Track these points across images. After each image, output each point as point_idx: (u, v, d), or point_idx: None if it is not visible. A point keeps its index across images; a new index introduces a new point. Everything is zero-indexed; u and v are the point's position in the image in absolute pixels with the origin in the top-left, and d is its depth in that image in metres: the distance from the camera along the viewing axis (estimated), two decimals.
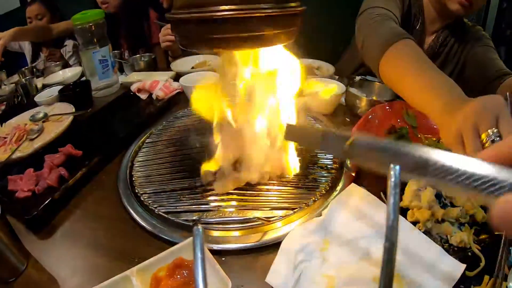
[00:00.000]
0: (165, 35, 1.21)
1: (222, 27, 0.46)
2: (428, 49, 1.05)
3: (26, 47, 1.79)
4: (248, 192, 0.58)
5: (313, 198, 0.58)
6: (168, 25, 1.21)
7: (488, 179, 0.22)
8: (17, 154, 0.77)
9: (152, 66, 1.25)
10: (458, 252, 0.47)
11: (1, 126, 0.92)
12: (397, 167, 0.24)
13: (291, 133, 0.46)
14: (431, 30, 1.05)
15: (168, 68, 1.24)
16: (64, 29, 1.59)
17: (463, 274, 0.43)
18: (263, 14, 0.46)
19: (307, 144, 0.43)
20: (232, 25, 0.46)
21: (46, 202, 0.60)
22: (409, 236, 0.48)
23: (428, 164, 0.25)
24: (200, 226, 0.29)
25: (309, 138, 0.43)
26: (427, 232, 0.50)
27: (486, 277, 0.43)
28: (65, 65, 1.39)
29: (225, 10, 0.45)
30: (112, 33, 1.15)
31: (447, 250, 0.47)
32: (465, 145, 0.44)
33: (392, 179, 0.24)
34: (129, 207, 0.60)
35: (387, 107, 0.82)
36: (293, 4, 0.50)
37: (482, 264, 0.45)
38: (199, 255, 0.28)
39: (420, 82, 0.63)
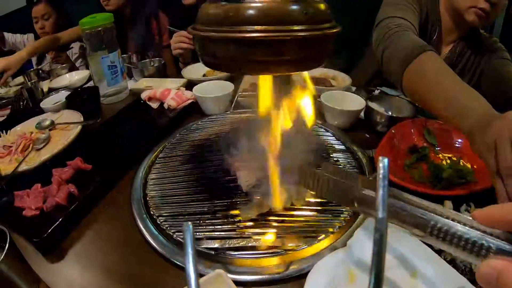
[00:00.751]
0: (177, 42, 1.17)
1: (252, 50, 0.43)
2: (445, 60, 1.03)
3: None
4: (271, 218, 0.55)
5: (339, 224, 0.55)
6: (181, 32, 1.17)
7: (474, 242, 0.24)
8: (23, 167, 0.74)
9: (162, 72, 1.21)
10: None
11: (6, 133, 0.89)
12: (385, 160, 0.25)
13: (305, 178, 0.42)
14: (448, 40, 1.03)
15: (177, 73, 1.20)
16: (71, 38, 1.56)
17: None
18: (297, 37, 0.43)
19: (319, 193, 0.41)
20: (264, 48, 0.43)
21: (56, 224, 0.57)
22: (435, 267, 0.46)
23: (427, 225, 0.27)
24: (190, 223, 0.29)
25: (321, 187, 0.40)
26: (452, 260, 0.48)
27: None
28: (72, 67, 1.35)
29: (258, 31, 0.42)
30: (118, 35, 1.12)
31: (471, 280, 0.44)
32: (498, 154, 0.48)
33: (381, 171, 0.24)
34: (144, 231, 0.56)
35: (408, 125, 0.79)
36: (327, 25, 0.47)
37: None
38: (189, 251, 0.28)
39: (447, 95, 0.63)
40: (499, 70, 0.97)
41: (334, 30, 0.46)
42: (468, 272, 0.47)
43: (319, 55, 0.47)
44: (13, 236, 0.56)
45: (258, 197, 0.56)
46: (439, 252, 0.48)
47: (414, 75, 0.71)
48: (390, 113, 0.86)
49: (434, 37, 1.02)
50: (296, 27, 0.43)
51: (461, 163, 0.72)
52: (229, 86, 0.92)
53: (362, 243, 0.50)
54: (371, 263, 0.24)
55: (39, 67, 1.50)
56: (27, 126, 0.91)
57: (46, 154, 0.77)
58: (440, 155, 0.76)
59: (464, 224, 0.25)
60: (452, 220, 0.26)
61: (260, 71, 0.46)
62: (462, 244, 0.24)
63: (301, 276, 0.47)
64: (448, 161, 0.74)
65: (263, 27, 0.42)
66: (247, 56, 0.44)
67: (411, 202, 0.29)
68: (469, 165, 0.72)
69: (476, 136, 0.53)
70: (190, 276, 0.27)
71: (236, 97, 0.88)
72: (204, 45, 0.48)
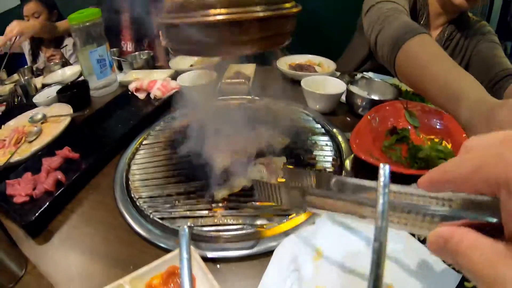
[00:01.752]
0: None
1: (213, 32, 0.45)
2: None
3: (26, 47, 1.79)
4: (243, 198, 0.57)
5: None
6: None
7: (420, 213, 0.23)
8: (16, 158, 0.77)
9: (151, 64, 1.23)
10: None
11: (0, 129, 0.93)
12: (387, 167, 0.24)
13: (261, 190, 0.42)
14: (436, 24, 1.03)
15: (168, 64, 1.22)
16: (67, 28, 1.59)
17: (462, 285, 0.41)
18: (256, 17, 0.45)
19: (274, 201, 0.40)
20: (224, 30, 0.44)
21: (43, 208, 0.60)
22: (405, 245, 0.47)
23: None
24: (186, 227, 0.28)
25: (274, 195, 0.40)
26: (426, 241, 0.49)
27: None
28: (65, 64, 1.38)
29: (216, 14, 0.44)
30: (113, 25, 1.13)
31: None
32: None
33: (382, 179, 0.23)
34: (124, 212, 0.59)
35: (388, 107, 0.80)
36: (288, 5, 0.48)
37: None
38: (184, 255, 0.28)
39: (439, 79, 0.61)
40: (486, 54, 0.96)
41: (293, 10, 0.47)
42: None
43: (280, 33, 0.48)
44: (4, 222, 0.60)
45: (230, 178, 0.58)
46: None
47: (406, 58, 0.69)
48: (371, 96, 0.87)
49: (422, 21, 1.02)
50: (254, 8, 0.44)
51: (442, 144, 0.73)
52: (212, 75, 0.93)
53: (329, 222, 0.51)
54: (369, 272, 0.23)
55: (35, 65, 1.53)
56: (20, 121, 0.95)
57: (37, 145, 0.81)
58: (422, 137, 0.77)
59: (407, 196, 0.25)
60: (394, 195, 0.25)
61: (224, 52, 0.48)
62: (403, 220, 0.24)
63: (269, 253, 0.48)
64: (429, 143, 0.75)
65: (221, 10, 0.44)
66: (209, 38, 0.46)
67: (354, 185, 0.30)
68: (449, 146, 0.72)
69: (476, 121, 0.50)
70: (184, 281, 0.27)
71: (219, 85, 0.90)
72: (169, 32, 0.50)
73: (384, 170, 0.24)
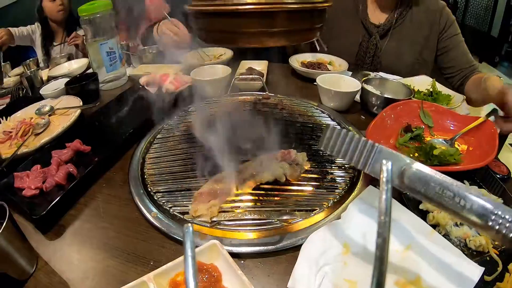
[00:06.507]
0: (163, 32, 1.18)
1: (245, 22, 0.44)
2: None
3: (38, 39, 1.75)
4: (266, 192, 0.56)
5: (333, 199, 0.56)
6: (165, 21, 1.17)
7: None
8: (23, 150, 0.75)
9: (160, 58, 1.21)
10: (476, 256, 0.47)
11: (6, 120, 0.90)
12: (389, 163, 0.25)
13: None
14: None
15: None
16: None
17: (482, 279, 0.42)
18: (290, 9, 0.44)
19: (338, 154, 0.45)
20: (257, 19, 0.44)
21: (55, 201, 0.58)
22: (429, 239, 0.47)
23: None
24: (190, 224, 0.28)
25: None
26: (446, 236, 0.50)
27: (507, 274, 0.43)
28: (70, 57, 1.35)
29: (250, 4, 0.43)
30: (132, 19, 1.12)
31: (465, 254, 0.45)
32: None
33: (384, 175, 0.24)
34: (141, 207, 0.58)
35: (403, 106, 0.79)
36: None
37: (500, 268, 0.44)
38: (189, 253, 0.27)
39: None
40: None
41: (325, 4, 0.47)
42: (463, 246, 0.48)
43: (310, 27, 0.48)
44: (14, 216, 0.57)
45: (254, 172, 0.57)
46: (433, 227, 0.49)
47: None
48: (385, 95, 0.87)
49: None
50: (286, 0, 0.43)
51: (455, 145, 0.73)
52: (226, 70, 0.92)
53: (355, 216, 0.51)
54: (373, 268, 0.24)
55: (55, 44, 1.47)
56: (27, 112, 0.92)
57: (45, 137, 0.78)
58: (435, 136, 0.77)
59: None
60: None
61: (253, 43, 0.47)
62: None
63: (295, 248, 0.48)
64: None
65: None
66: (239, 28, 0.45)
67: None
68: (458, 146, 0.72)
69: None
70: (189, 280, 0.26)
71: (233, 81, 0.89)
72: (198, 20, 0.49)
73: (387, 166, 0.25)
